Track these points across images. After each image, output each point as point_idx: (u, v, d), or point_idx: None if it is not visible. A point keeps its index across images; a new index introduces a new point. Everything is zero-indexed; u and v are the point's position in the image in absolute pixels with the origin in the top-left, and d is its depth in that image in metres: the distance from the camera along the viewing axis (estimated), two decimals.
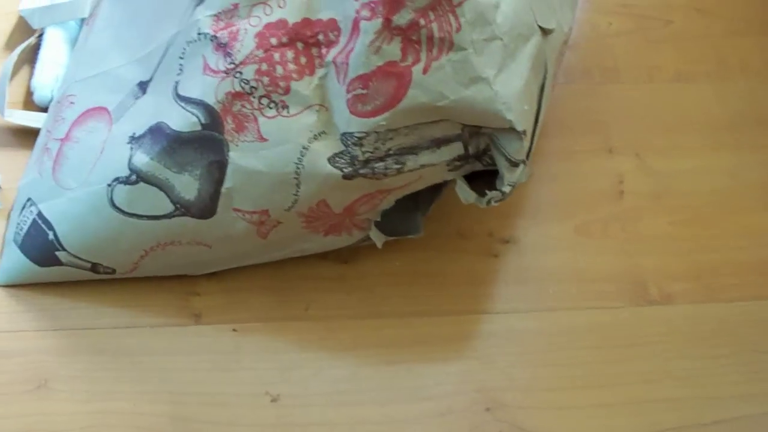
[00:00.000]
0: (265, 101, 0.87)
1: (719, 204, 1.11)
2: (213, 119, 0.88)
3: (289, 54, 0.87)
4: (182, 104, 0.89)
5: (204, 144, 0.89)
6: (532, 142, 0.90)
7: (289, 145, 0.88)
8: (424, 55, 0.83)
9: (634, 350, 1.01)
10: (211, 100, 0.88)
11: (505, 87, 0.84)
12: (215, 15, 0.89)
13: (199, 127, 0.89)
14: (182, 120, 0.89)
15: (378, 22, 0.82)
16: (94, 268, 0.96)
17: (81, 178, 0.94)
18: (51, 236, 0.95)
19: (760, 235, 1.10)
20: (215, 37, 0.88)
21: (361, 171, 0.88)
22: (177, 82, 0.90)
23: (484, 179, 0.93)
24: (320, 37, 0.86)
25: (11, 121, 1.05)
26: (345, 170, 0.88)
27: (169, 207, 0.91)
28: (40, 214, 0.96)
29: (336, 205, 0.92)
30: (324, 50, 0.86)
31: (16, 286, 0.98)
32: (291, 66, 0.87)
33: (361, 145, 0.86)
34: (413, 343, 0.99)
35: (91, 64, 1.00)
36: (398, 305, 1.01)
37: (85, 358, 0.95)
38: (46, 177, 0.97)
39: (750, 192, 1.13)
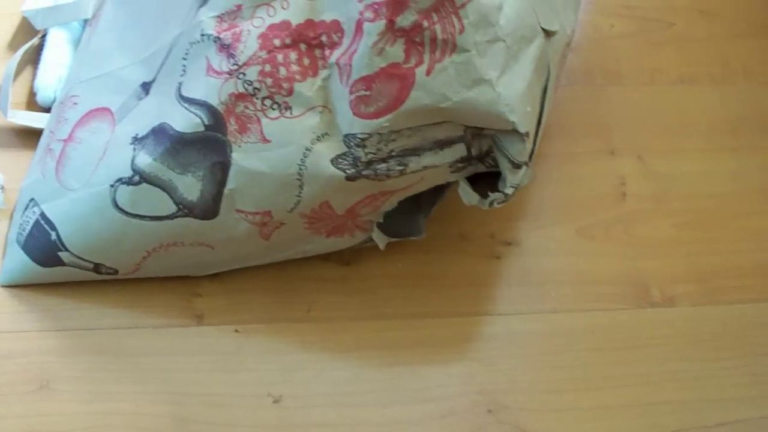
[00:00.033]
0: (268, 102, 0.87)
1: (721, 207, 1.12)
2: (216, 120, 0.88)
3: (293, 55, 0.87)
4: (185, 105, 0.89)
5: (207, 145, 0.89)
6: (534, 144, 0.90)
7: (292, 147, 0.88)
8: (427, 57, 0.83)
9: (636, 352, 1.01)
10: (214, 102, 0.88)
11: (507, 89, 0.84)
12: (218, 16, 0.89)
13: (202, 128, 0.89)
14: (185, 121, 0.89)
15: (381, 23, 0.82)
16: (97, 268, 0.96)
17: (84, 178, 0.94)
18: (54, 237, 0.95)
19: (762, 238, 1.10)
20: (218, 38, 0.88)
21: (364, 172, 0.88)
22: (180, 83, 0.90)
23: (486, 181, 0.93)
24: (323, 38, 0.86)
25: (14, 121, 1.05)
26: (348, 172, 0.88)
27: (171, 208, 0.91)
28: (42, 215, 0.96)
29: (338, 206, 0.92)
30: (327, 52, 0.86)
31: (18, 286, 0.98)
32: (294, 67, 0.87)
33: (364, 147, 0.86)
34: (415, 345, 0.99)
35: (95, 65, 1.00)
36: (400, 307, 1.01)
37: (87, 358, 0.95)
38: (48, 177, 0.97)
39: (752, 195, 1.13)
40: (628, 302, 1.04)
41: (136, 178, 0.91)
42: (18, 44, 1.10)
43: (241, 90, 0.87)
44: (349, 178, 0.88)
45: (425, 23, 0.82)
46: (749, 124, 1.18)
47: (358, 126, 0.85)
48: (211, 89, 0.88)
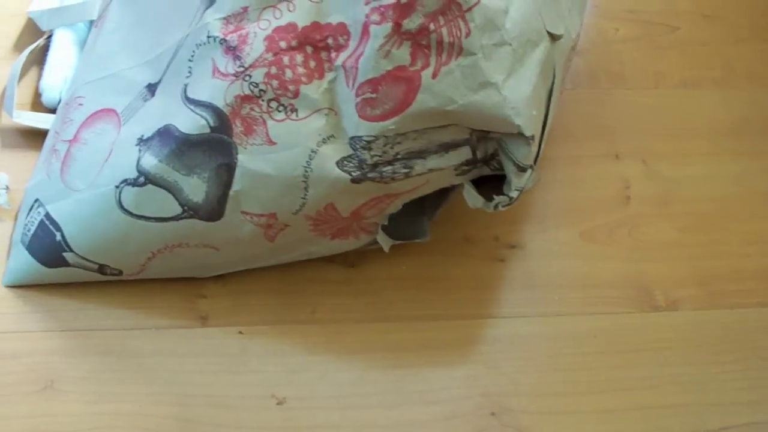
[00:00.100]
0: (274, 104, 0.87)
1: (725, 210, 1.12)
2: (222, 122, 0.88)
3: (299, 57, 0.87)
4: (191, 107, 0.89)
5: (212, 147, 0.89)
6: (539, 148, 0.90)
7: (297, 149, 0.88)
8: (434, 60, 0.83)
9: (639, 356, 1.01)
10: (220, 103, 0.88)
11: (513, 92, 0.85)
12: (225, 18, 0.89)
13: (207, 130, 0.89)
14: (191, 122, 0.89)
15: (388, 26, 0.82)
16: (101, 269, 0.96)
17: (89, 179, 0.94)
18: (58, 237, 0.95)
19: (765, 242, 1.11)
20: (225, 40, 0.88)
21: (370, 175, 0.88)
22: (186, 85, 0.90)
23: (491, 184, 0.93)
24: (330, 41, 0.86)
25: (19, 122, 1.05)
26: (353, 174, 0.88)
27: (177, 209, 0.92)
28: (47, 215, 0.96)
29: (344, 208, 0.92)
30: (333, 54, 0.86)
31: (23, 286, 0.98)
32: (300, 69, 0.87)
33: (370, 149, 0.86)
34: (419, 347, 0.99)
35: (100, 66, 1.00)
36: (404, 309, 1.01)
37: (92, 359, 0.95)
38: (54, 178, 0.97)
39: (756, 199, 1.13)
40: (631, 306, 1.04)
41: (142, 179, 0.91)
42: (23, 45, 1.10)
43: (247, 92, 0.87)
44: (354, 181, 0.88)
45: (432, 26, 0.82)
46: (752, 128, 1.18)
47: (364, 128, 0.85)
48: (217, 91, 0.88)
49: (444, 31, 0.82)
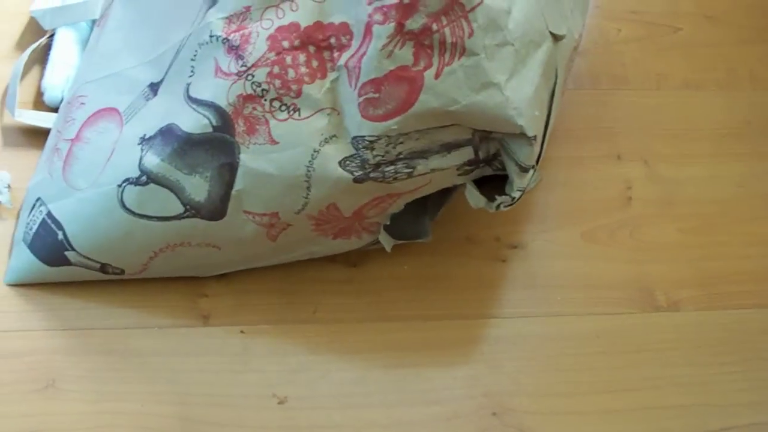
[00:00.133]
0: (276, 104, 0.87)
1: (727, 212, 1.12)
2: (224, 121, 0.88)
3: (301, 57, 0.87)
4: (193, 106, 0.89)
5: (215, 146, 0.89)
6: (541, 148, 0.90)
7: (300, 148, 0.88)
8: (436, 60, 0.83)
9: (641, 356, 1.02)
10: (222, 103, 0.88)
11: (516, 92, 0.85)
12: (227, 17, 0.89)
13: (210, 129, 0.89)
14: (193, 122, 0.89)
15: (391, 26, 0.82)
16: (103, 268, 0.96)
17: (91, 178, 0.94)
18: (60, 236, 0.95)
19: (766, 244, 1.11)
20: (227, 39, 0.88)
21: (372, 175, 0.88)
22: (188, 84, 0.90)
23: (493, 184, 0.93)
24: (332, 40, 0.86)
25: (21, 121, 1.05)
26: (355, 174, 0.88)
27: (179, 208, 0.92)
28: (49, 214, 0.96)
29: (346, 208, 0.92)
30: (336, 54, 0.86)
31: (25, 285, 0.98)
32: (303, 69, 0.87)
33: (372, 149, 0.86)
34: (421, 347, 0.99)
35: (102, 65, 1.00)
36: (406, 309, 1.01)
37: (94, 358, 0.95)
38: (56, 177, 0.97)
39: (757, 200, 1.13)
40: (633, 306, 1.04)
41: (144, 178, 0.91)
42: (26, 44, 1.10)
43: (250, 91, 0.87)
44: (356, 181, 0.88)
45: (434, 26, 0.82)
46: (754, 130, 1.18)
47: (367, 128, 0.86)
48: (219, 90, 0.88)
49: (447, 31, 0.82)
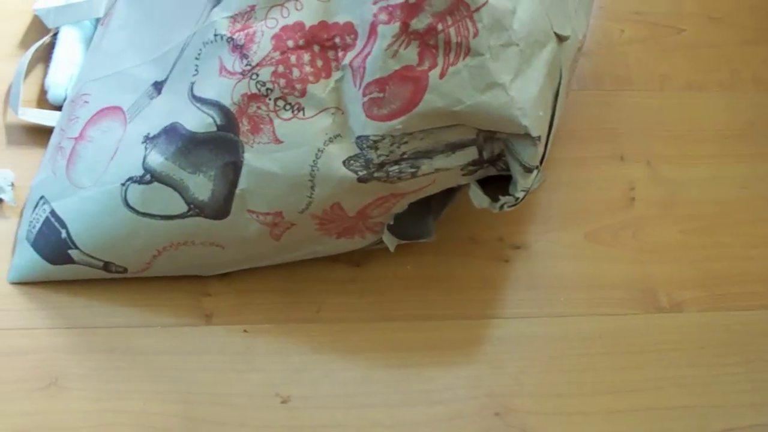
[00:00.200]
0: (280, 103, 0.87)
1: (729, 213, 1.12)
2: (228, 120, 0.88)
3: (306, 57, 0.87)
4: (198, 105, 0.89)
5: (219, 145, 0.89)
6: (545, 148, 0.90)
7: (304, 148, 0.88)
8: (441, 60, 0.83)
9: (644, 357, 1.02)
10: (226, 102, 0.88)
11: (520, 93, 0.85)
12: (232, 17, 0.89)
13: (214, 128, 0.89)
14: (197, 121, 0.89)
15: (396, 26, 0.82)
16: (107, 266, 0.96)
17: (95, 177, 0.94)
18: (64, 234, 0.95)
19: None
20: (232, 38, 0.88)
21: (376, 174, 0.88)
22: (193, 83, 0.90)
23: (497, 184, 0.93)
24: (337, 40, 0.86)
25: (25, 119, 1.05)
26: (360, 173, 0.88)
27: (182, 207, 0.92)
28: (53, 213, 0.96)
29: (350, 208, 0.92)
30: (340, 53, 0.86)
31: (28, 283, 0.98)
32: (307, 69, 0.87)
33: (376, 149, 0.86)
34: (424, 347, 0.99)
35: (106, 64, 1.00)
36: (409, 309, 1.01)
37: (97, 356, 0.95)
38: (59, 175, 0.97)
39: (760, 202, 1.13)
40: (635, 307, 1.04)
41: (148, 177, 0.91)
42: (29, 42, 1.10)
43: (254, 90, 0.87)
44: (360, 180, 0.88)
45: (440, 26, 0.82)
46: (757, 131, 1.18)
47: (371, 128, 0.86)
48: (223, 89, 0.88)
49: (452, 31, 0.82)
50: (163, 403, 0.94)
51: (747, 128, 1.18)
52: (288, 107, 0.87)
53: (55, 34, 1.10)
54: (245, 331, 0.98)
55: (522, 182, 0.90)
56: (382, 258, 1.02)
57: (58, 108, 1.06)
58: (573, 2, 0.94)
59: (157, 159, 0.90)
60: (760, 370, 1.03)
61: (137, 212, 0.92)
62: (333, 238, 0.96)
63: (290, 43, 0.87)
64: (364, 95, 0.85)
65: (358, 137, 0.86)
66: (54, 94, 1.06)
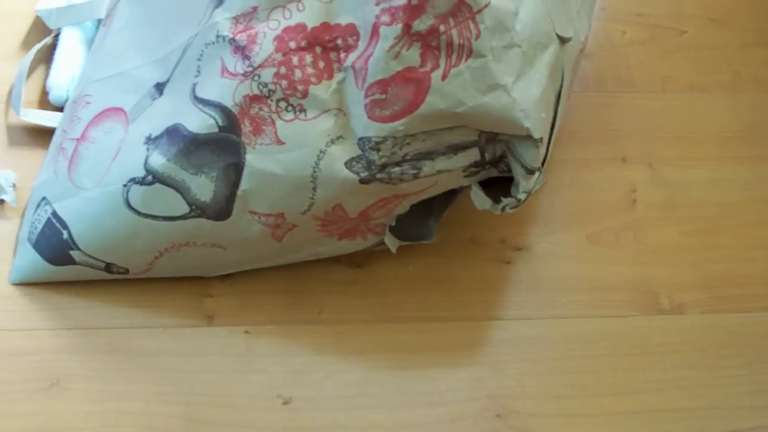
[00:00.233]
0: (282, 105, 0.87)
1: (731, 215, 1.12)
2: (230, 122, 0.88)
3: (308, 58, 0.87)
4: (200, 106, 0.89)
5: (221, 146, 0.89)
6: (547, 150, 0.90)
7: (306, 149, 0.88)
8: (443, 62, 0.83)
9: (645, 359, 1.01)
10: (228, 103, 0.88)
11: (523, 94, 0.85)
12: (234, 18, 0.89)
13: (216, 130, 0.89)
14: (199, 122, 0.89)
15: (398, 27, 0.82)
16: (108, 268, 0.96)
17: (96, 178, 0.94)
18: (65, 235, 0.95)
19: None
20: (234, 39, 0.88)
21: (378, 176, 0.88)
22: (195, 84, 0.90)
23: (498, 186, 0.93)
24: (339, 41, 0.86)
25: (27, 120, 1.05)
26: (361, 175, 0.88)
27: (184, 208, 0.92)
28: (54, 214, 0.96)
29: (352, 209, 0.92)
30: (343, 55, 0.86)
31: (29, 284, 0.98)
32: (309, 70, 0.87)
33: (378, 150, 0.86)
34: (425, 349, 0.99)
35: (108, 65, 1.00)
36: (411, 310, 1.01)
37: (98, 357, 0.95)
38: (61, 176, 0.97)
39: (762, 204, 1.13)
40: (637, 309, 1.04)
41: (149, 178, 0.91)
42: (31, 43, 1.11)
43: (256, 92, 0.87)
44: (362, 182, 0.88)
45: (442, 28, 0.82)
46: (759, 133, 1.18)
47: (373, 129, 0.86)
48: (225, 90, 0.88)
49: (454, 32, 0.82)
50: (165, 404, 0.94)
51: (748, 130, 1.18)
52: (290, 108, 0.87)
53: (57, 35, 1.10)
54: (247, 332, 0.98)
55: (524, 184, 0.90)
56: (384, 259, 1.02)
57: (60, 109, 1.06)
58: (575, 4, 0.95)
59: (158, 160, 0.90)
60: (762, 372, 1.03)
61: (139, 213, 0.92)
62: (335, 240, 0.96)
63: (292, 45, 0.87)
64: (366, 96, 0.85)
65: (360, 138, 0.87)
66: (56, 95, 1.06)
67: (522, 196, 0.90)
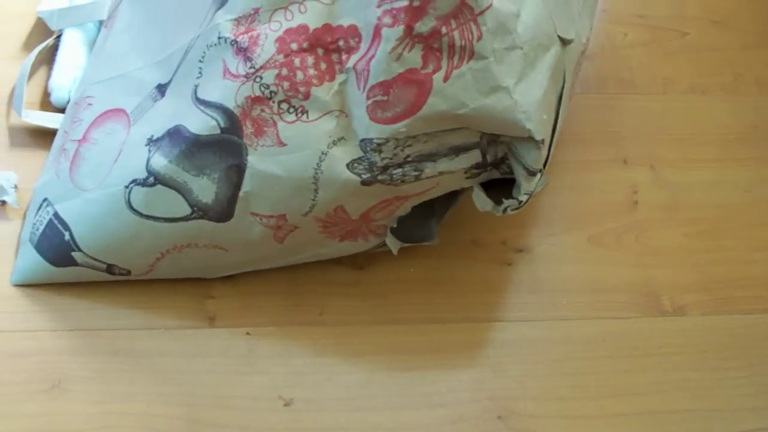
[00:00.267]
0: (284, 106, 0.87)
1: (733, 217, 1.12)
2: (232, 123, 0.88)
3: (310, 59, 0.87)
4: (201, 108, 0.89)
5: (223, 148, 0.89)
6: (549, 152, 0.90)
7: (308, 151, 0.88)
8: (445, 63, 0.83)
9: (647, 361, 1.02)
10: (230, 104, 0.88)
11: (524, 96, 0.85)
12: (236, 19, 0.89)
13: (218, 131, 0.89)
14: (201, 123, 0.89)
15: (400, 29, 0.82)
16: (110, 269, 0.96)
17: (98, 179, 0.94)
18: (67, 237, 0.95)
19: None
20: (235, 41, 0.88)
21: (380, 177, 0.88)
22: (196, 86, 0.90)
23: (500, 187, 0.93)
24: (341, 43, 0.86)
25: (28, 121, 1.05)
26: (363, 176, 0.88)
27: (186, 210, 0.92)
28: (56, 215, 0.96)
29: (353, 211, 0.92)
30: (344, 56, 0.86)
31: (31, 286, 0.98)
32: (311, 71, 0.87)
33: (380, 152, 0.86)
34: (426, 350, 0.99)
35: (110, 66, 1.00)
36: (412, 312, 1.01)
37: (100, 358, 0.95)
38: (62, 178, 0.97)
39: (763, 205, 1.13)
40: (638, 311, 1.04)
41: (151, 179, 0.91)
42: (33, 45, 1.11)
43: (258, 93, 0.87)
44: (364, 183, 0.88)
45: (444, 29, 0.82)
46: (760, 134, 1.18)
47: (375, 131, 0.86)
48: (227, 92, 0.88)
49: (456, 34, 0.82)
50: (167, 405, 0.94)
51: (750, 132, 1.18)
52: (292, 110, 0.87)
53: (59, 37, 1.10)
54: (248, 333, 0.98)
55: (525, 185, 0.90)
56: (385, 261, 1.02)
57: (62, 110, 1.06)
58: (577, 5, 0.95)
59: (160, 161, 0.90)
60: (763, 374, 1.03)
61: (141, 215, 0.92)
62: (336, 241, 0.96)
63: (294, 46, 0.87)
64: (368, 98, 0.85)
65: (362, 140, 0.87)
66: (57, 96, 1.07)
67: (523, 198, 0.90)
